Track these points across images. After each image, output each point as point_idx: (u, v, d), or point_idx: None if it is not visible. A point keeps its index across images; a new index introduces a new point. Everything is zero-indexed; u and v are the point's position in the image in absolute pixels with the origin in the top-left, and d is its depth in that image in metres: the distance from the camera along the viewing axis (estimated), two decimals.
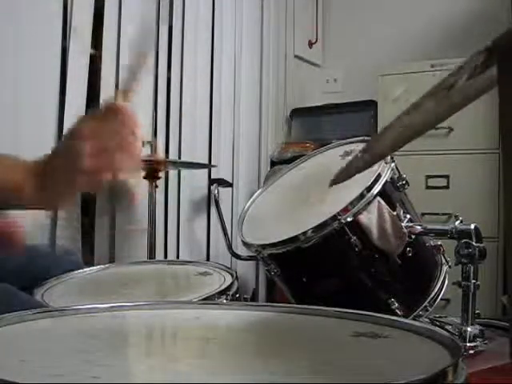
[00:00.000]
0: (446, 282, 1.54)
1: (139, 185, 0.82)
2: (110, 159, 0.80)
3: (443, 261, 1.57)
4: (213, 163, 2.70)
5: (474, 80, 0.57)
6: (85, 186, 0.83)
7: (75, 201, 0.94)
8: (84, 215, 2.13)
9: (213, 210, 2.71)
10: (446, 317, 1.62)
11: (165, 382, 0.51)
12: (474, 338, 1.39)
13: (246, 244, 1.52)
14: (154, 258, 2.26)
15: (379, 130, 2.89)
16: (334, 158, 1.58)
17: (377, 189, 1.41)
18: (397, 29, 3.32)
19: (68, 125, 2.01)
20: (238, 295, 1.23)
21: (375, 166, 1.44)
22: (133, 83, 0.88)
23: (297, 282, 1.54)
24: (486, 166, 2.64)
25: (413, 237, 1.45)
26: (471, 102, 0.60)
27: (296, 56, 3.42)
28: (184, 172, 2.59)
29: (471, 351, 1.37)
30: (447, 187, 2.76)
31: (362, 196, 1.40)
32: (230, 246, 2.59)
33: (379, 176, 1.42)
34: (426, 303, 1.49)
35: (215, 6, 2.78)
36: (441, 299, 1.52)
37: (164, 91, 2.51)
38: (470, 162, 2.72)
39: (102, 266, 1.48)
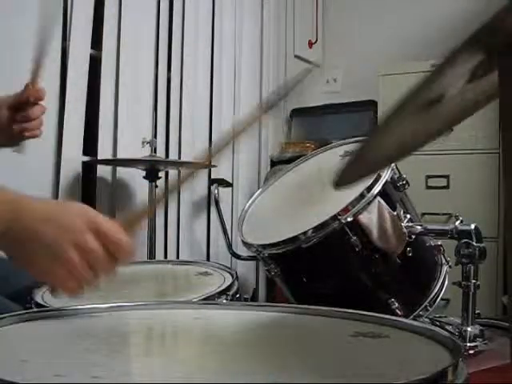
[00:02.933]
0: (446, 282, 1.54)
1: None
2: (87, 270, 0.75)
3: (443, 261, 1.57)
4: (213, 163, 2.70)
5: (475, 84, 0.55)
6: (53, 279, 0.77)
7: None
8: None
9: (213, 209, 2.71)
10: (446, 317, 1.62)
11: (165, 382, 0.51)
12: (474, 338, 1.39)
13: (246, 244, 1.52)
14: (154, 258, 2.26)
15: None
16: (334, 157, 1.58)
17: (377, 189, 1.41)
18: (397, 29, 3.32)
19: (68, 126, 2.02)
20: (238, 295, 1.23)
21: None
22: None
23: (297, 282, 1.54)
24: (486, 166, 2.64)
25: (413, 237, 1.45)
26: (474, 111, 0.57)
27: (296, 56, 3.42)
28: (184, 172, 2.59)
29: (471, 351, 1.37)
30: (447, 187, 2.76)
31: (362, 196, 1.40)
32: (230, 246, 2.59)
33: (379, 176, 1.42)
34: (426, 303, 1.49)
35: (215, 6, 2.78)
36: (441, 299, 1.52)
37: (164, 91, 2.51)
38: (470, 162, 2.71)
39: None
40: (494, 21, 0.46)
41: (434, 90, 0.53)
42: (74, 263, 0.73)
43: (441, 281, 1.53)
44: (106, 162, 2.24)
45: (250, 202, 1.66)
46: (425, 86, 0.53)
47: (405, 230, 1.44)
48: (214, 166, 2.66)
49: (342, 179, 0.70)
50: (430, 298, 1.50)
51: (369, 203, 1.40)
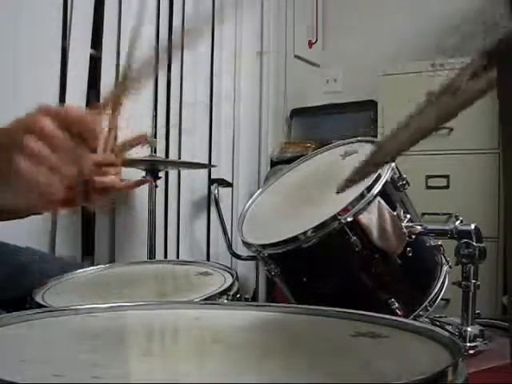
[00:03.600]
0: (446, 282, 1.54)
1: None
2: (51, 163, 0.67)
3: (443, 261, 1.57)
4: (213, 163, 2.70)
5: (474, 82, 0.56)
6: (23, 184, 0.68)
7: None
8: (84, 215, 2.13)
9: (213, 209, 2.71)
10: (446, 317, 1.62)
11: (165, 381, 0.51)
12: (474, 338, 1.39)
13: (246, 244, 1.52)
14: (154, 258, 2.26)
15: (379, 130, 2.89)
16: (334, 157, 1.58)
17: (377, 189, 1.41)
18: (397, 29, 3.32)
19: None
20: (238, 295, 1.23)
21: None
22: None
23: (297, 281, 1.54)
24: (486, 166, 2.64)
25: (413, 237, 1.45)
26: (472, 103, 0.59)
27: (296, 56, 3.42)
28: (184, 172, 2.59)
29: (471, 351, 1.37)
30: (447, 187, 2.76)
31: (362, 196, 1.39)
32: (230, 246, 2.59)
33: (379, 176, 1.42)
34: (426, 303, 1.49)
35: (215, 6, 2.78)
36: (441, 299, 1.52)
37: (164, 91, 2.51)
38: (470, 162, 2.72)
39: (102, 266, 1.48)
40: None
41: (455, 83, 0.56)
42: (31, 148, 0.66)
43: (441, 281, 1.53)
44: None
45: (250, 202, 1.66)
46: (452, 79, 0.56)
47: (405, 229, 1.44)
48: (214, 166, 2.66)
49: (349, 183, 0.71)
50: (430, 298, 1.50)
51: (369, 203, 1.40)
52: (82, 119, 0.70)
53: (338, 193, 0.75)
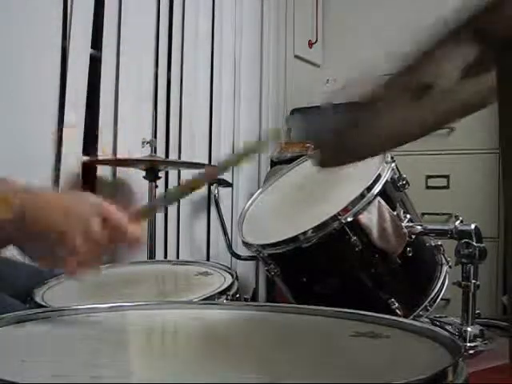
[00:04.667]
0: (446, 282, 1.54)
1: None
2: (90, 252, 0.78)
3: (443, 261, 1.57)
4: (213, 163, 2.70)
5: (469, 82, 0.53)
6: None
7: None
8: None
9: (213, 209, 2.71)
10: (446, 317, 1.62)
11: (165, 382, 0.51)
12: (474, 338, 1.39)
13: (246, 244, 1.52)
14: (154, 258, 2.26)
15: None
16: None
17: (377, 189, 1.41)
18: (397, 29, 3.31)
19: (68, 125, 2.02)
20: (238, 295, 1.23)
21: (375, 167, 1.44)
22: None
23: (297, 282, 1.54)
24: (486, 166, 2.64)
25: (413, 237, 1.45)
26: (472, 110, 0.55)
27: (296, 56, 3.42)
28: (184, 172, 2.59)
29: (471, 351, 1.37)
30: (447, 187, 2.76)
31: (362, 196, 1.40)
32: (230, 246, 2.59)
33: (379, 176, 1.42)
34: (426, 303, 1.49)
35: (215, 6, 2.78)
36: (441, 299, 1.52)
37: (164, 91, 2.51)
38: (470, 162, 2.72)
39: (103, 266, 1.48)
40: (490, 7, 0.44)
41: (425, 76, 0.50)
42: (78, 250, 0.76)
43: (441, 281, 1.53)
44: (106, 162, 2.24)
45: (249, 202, 1.67)
46: (415, 67, 0.50)
47: (405, 229, 1.44)
48: (214, 166, 2.66)
49: (325, 161, 0.69)
50: (430, 298, 1.50)
51: (369, 203, 1.40)
52: (123, 227, 0.80)
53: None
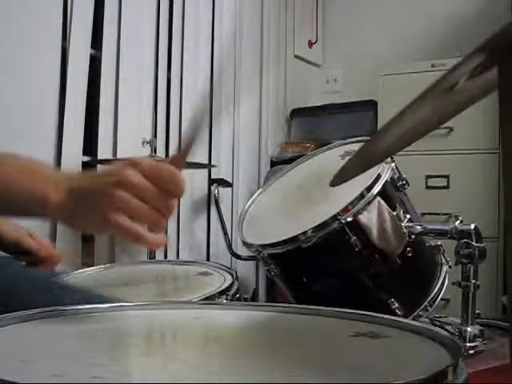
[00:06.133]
0: (446, 281, 1.54)
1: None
2: (141, 217, 0.74)
3: (443, 261, 1.57)
4: (213, 163, 2.70)
5: (473, 81, 0.55)
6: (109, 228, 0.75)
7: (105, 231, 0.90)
8: None
9: (213, 209, 2.71)
10: (446, 317, 1.62)
11: (165, 381, 0.51)
12: (474, 338, 1.39)
13: (246, 244, 1.52)
14: (154, 257, 2.26)
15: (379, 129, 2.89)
16: (333, 158, 1.58)
17: (377, 189, 1.41)
18: (397, 29, 3.32)
19: (68, 126, 2.02)
20: (238, 295, 1.23)
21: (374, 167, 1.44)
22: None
23: (297, 281, 1.54)
24: (486, 166, 2.64)
25: (413, 237, 1.45)
26: (471, 104, 0.58)
27: (296, 56, 3.42)
28: (184, 172, 2.59)
29: (471, 351, 1.37)
30: (447, 187, 2.75)
31: (362, 196, 1.40)
32: (230, 246, 2.59)
33: (379, 176, 1.42)
34: (426, 303, 1.49)
35: (215, 6, 2.78)
36: (441, 299, 1.52)
37: (164, 91, 2.51)
38: (470, 162, 2.71)
39: (103, 266, 1.48)
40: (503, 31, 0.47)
41: (450, 80, 0.57)
42: (123, 200, 0.72)
43: (441, 281, 1.54)
44: (106, 161, 2.24)
45: (249, 202, 1.67)
46: (446, 75, 0.57)
47: (405, 230, 1.44)
48: (214, 166, 2.66)
49: (341, 176, 0.70)
50: (429, 298, 1.50)
51: (369, 203, 1.40)
52: (167, 172, 0.76)
53: (331, 186, 0.75)
